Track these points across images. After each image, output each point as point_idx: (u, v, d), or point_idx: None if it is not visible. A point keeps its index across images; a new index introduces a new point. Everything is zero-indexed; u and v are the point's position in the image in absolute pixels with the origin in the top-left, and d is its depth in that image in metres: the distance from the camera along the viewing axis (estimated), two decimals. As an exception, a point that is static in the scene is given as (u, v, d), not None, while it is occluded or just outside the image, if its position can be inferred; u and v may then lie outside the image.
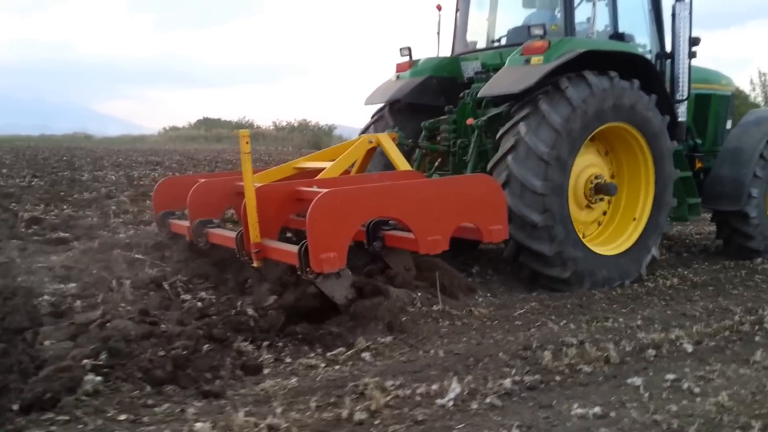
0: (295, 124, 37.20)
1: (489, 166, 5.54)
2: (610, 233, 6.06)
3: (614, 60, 5.78)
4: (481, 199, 4.72)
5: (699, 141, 7.46)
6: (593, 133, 5.62)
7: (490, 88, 5.70)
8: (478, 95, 5.94)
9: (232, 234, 4.83)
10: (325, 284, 4.08)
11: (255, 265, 4.54)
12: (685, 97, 6.59)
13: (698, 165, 7.12)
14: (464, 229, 4.78)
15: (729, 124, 7.86)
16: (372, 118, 7.14)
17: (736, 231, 7.04)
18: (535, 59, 5.53)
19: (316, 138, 33.73)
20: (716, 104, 7.66)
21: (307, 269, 3.99)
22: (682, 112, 6.66)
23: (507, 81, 5.59)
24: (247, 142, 4.42)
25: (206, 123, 39.33)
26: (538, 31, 5.67)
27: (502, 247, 5.71)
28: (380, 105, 7.08)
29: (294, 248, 4.13)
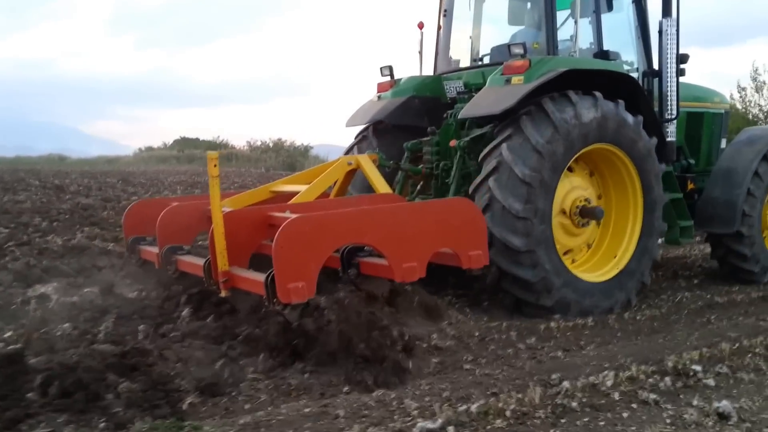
0: (270, 144, 37.06)
1: (471, 189, 5.52)
2: (598, 259, 6.03)
3: (598, 79, 5.79)
4: (460, 223, 4.67)
5: (692, 161, 7.47)
6: (578, 155, 5.60)
7: (470, 109, 5.70)
8: (458, 116, 5.94)
9: (202, 261, 4.77)
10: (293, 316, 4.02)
11: (223, 294, 4.47)
12: (673, 116, 6.59)
13: (690, 186, 7.11)
14: (442, 255, 4.73)
15: (723, 143, 7.87)
16: (354, 139, 7.13)
17: (731, 251, 7.01)
18: (516, 79, 5.54)
19: (291, 159, 33.57)
20: (709, 123, 7.68)
21: (274, 300, 3.92)
22: (671, 131, 6.68)
23: (487, 101, 5.60)
24: (215, 165, 4.38)
25: (182, 143, 39.23)
26: (518, 50, 5.69)
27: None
28: (362, 126, 7.07)
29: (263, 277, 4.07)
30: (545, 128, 5.33)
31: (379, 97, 7.04)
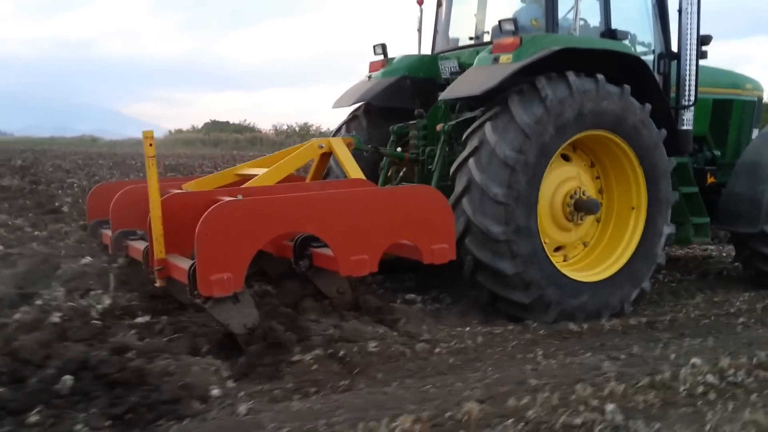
0: (296, 129, 37.37)
1: (452, 169, 5.14)
2: (595, 257, 5.57)
3: (600, 60, 5.32)
4: (422, 213, 4.33)
5: (717, 152, 6.94)
6: (571, 141, 5.17)
7: (452, 90, 5.32)
8: (440, 98, 5.58)
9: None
10: (218, 310, 3.75)
11: (158, 284, 4.24)
12: (691, 103, 6.06)
13: (710, 180, 6.55)
14: (401, 247, 4.39)
15: (755, 134, 7.29)
16: (342, 122, 6.83)
17: (756, 254, 6.42)
18: (504, 57, 5.14)
19: (315, 143, 34.16)
20: (739, 111, 7.12)
21: (195, 292, 3.66)
22: (687, 119, 6.14)
23: (471, 82, 5.23)
24: (150, 144, 4.13)
25: (212, 126, 39.78)
26: (509, 27, 5.28)
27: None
28: (352, 108, 6.76)
29: (192, 266, 3.81)
30: (535, 108, 4.92)
31: (369, 77, 6.72)
